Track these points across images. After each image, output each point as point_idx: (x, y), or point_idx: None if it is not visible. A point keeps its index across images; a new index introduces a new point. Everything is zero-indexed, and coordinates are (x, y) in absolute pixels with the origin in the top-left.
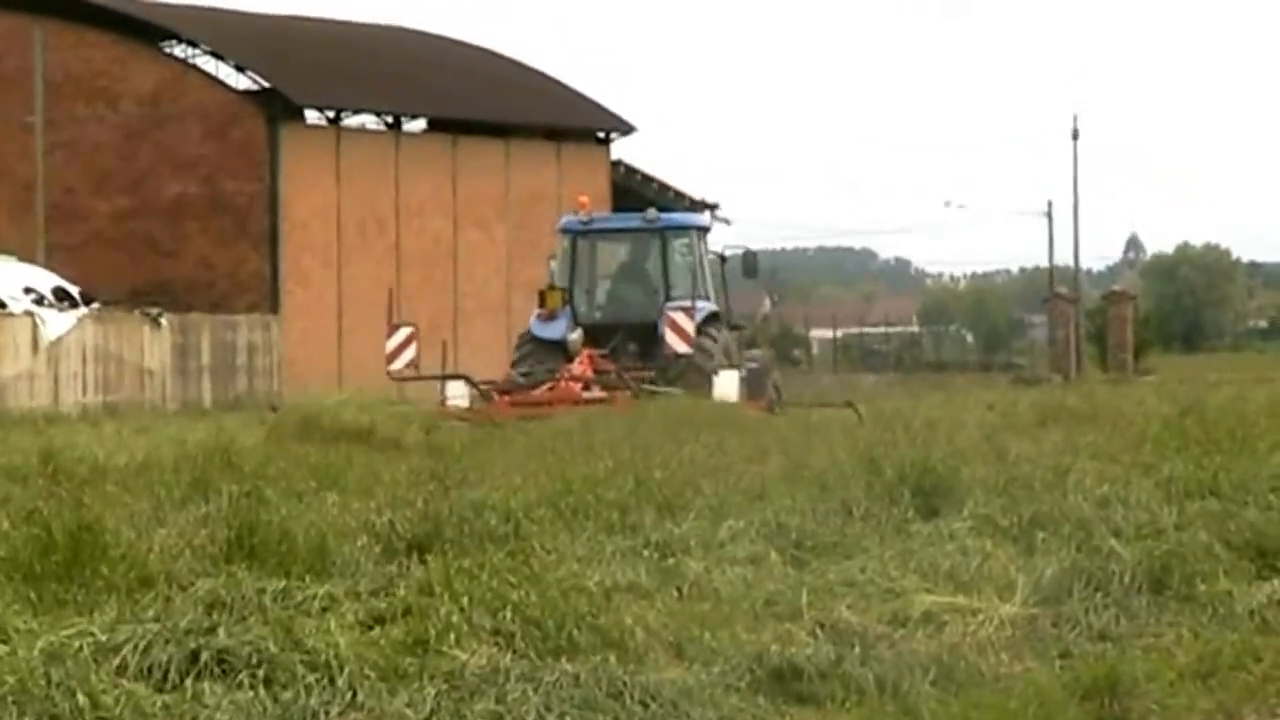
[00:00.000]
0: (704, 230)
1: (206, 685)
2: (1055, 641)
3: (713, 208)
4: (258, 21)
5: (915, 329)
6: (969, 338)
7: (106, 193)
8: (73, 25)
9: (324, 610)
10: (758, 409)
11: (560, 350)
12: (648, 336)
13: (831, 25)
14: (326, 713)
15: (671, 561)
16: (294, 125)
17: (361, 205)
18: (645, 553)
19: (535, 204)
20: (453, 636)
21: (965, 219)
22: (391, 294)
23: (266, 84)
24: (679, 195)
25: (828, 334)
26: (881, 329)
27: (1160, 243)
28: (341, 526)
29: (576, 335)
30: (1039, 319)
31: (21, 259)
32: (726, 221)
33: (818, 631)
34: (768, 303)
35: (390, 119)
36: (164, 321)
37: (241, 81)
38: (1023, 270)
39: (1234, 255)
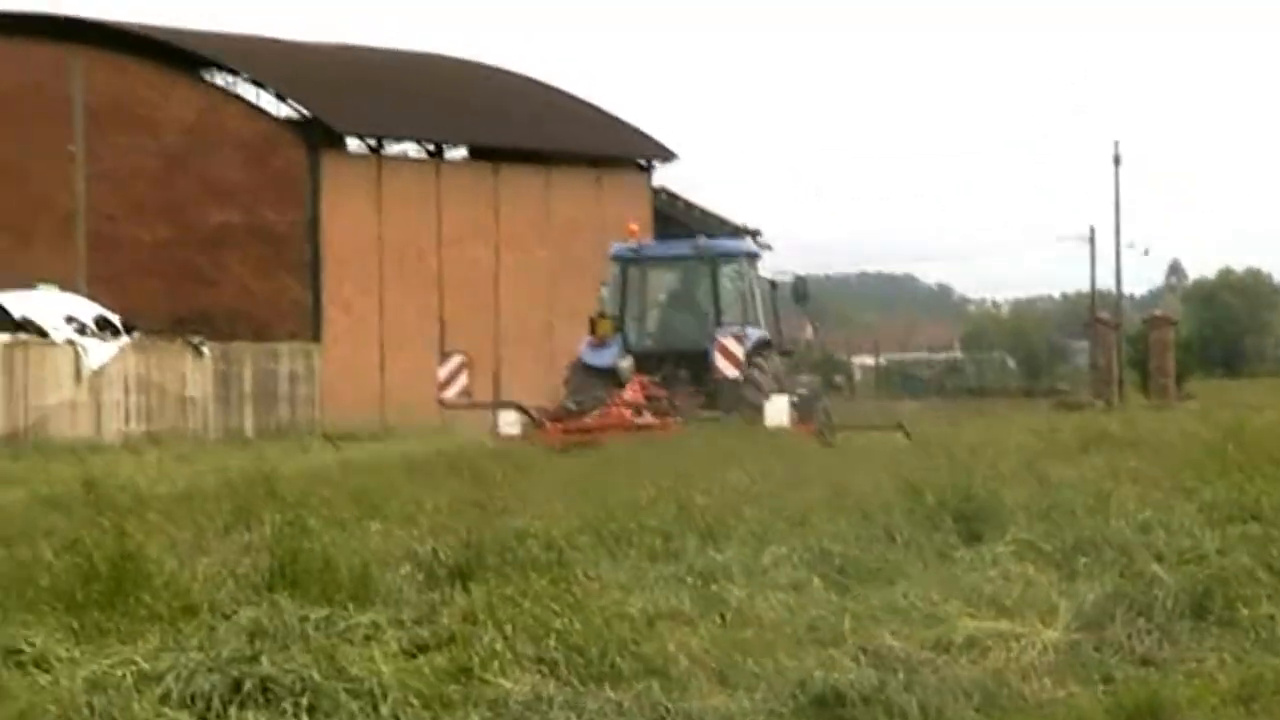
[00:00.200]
0: (754, 257)
1: (250, 714)
2: (1098, 666)
3: (754, 234)
4: (298, 50)
5: (957, 354)
6: (1010, 363)
7: (147, 221)
8: (113, 54)
9: (367, 638)
10: (808, 434)
11: (611, 377)
12: (698, 363)
13: (873, 52)
14: None
15: (714, 588)
16: (335, 154)
17: (402, 233)
18: (688, 579)
19: (576, 231)
20: (496, 664)
21: (1007, 245)
22: (443, 323)
23: (307, 112)
24: (721, 222)
25: (870, 360)
26: (924, 355)
27: (1202, 268)
28: (384, 554)
29: (627, 362)
30: (1080, 344)
31: (63, 288)
32: (768, 247)
33: (860, 657)
34: (810, 329)
35: (431, 147)
36: (206, 350)
37: (282, 110)
38: (1064, 296)
39: (1276, 280)
